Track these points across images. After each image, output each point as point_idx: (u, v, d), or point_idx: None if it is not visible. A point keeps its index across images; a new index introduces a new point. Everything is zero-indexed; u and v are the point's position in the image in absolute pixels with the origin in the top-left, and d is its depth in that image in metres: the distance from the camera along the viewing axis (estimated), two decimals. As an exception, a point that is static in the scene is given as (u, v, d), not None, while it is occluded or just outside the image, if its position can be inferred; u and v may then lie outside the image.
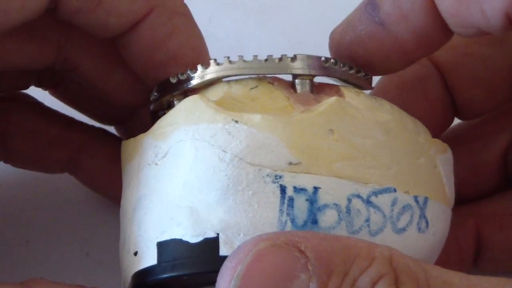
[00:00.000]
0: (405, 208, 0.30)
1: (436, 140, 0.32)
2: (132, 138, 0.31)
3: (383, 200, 0.29)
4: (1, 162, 0.38)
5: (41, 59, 0.34)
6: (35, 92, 0.38)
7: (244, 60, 0.30)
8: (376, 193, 0.29)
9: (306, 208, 0.28)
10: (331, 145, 0.29)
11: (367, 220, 0.29)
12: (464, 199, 0.37)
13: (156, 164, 0.29)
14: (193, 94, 0.30)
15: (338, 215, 0.28)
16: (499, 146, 0.37)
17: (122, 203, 0.31)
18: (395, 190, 0.29)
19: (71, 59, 0.34)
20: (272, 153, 0.28)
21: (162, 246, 0.28)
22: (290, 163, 0.28)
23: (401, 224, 0.29)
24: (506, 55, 0.35)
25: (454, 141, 0.35)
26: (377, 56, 0.30)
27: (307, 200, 0.28)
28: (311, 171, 0.28)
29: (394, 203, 0.29)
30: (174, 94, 0.31)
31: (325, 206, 0.28)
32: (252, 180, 0.28)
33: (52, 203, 0.41)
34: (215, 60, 0.30)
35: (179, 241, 0.28)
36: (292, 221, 0.28)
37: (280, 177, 0.28)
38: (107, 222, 0.40)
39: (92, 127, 0.39)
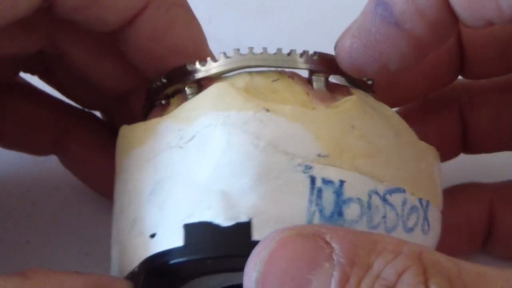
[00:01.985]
0: (413, 209, 0.30)
1: (431, 147, 0.32)
2: (140, 123, 0.31)
3: (396, 199, 0.29)
4: (1, 164, 0.38)
5: (30, 46, 0.33)
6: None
7: (267, 53, 0.30)
8: (390, 192, 0.30)
9: (333, 200, 0.28)
10: (353, 141, 0.29)
11: (384, 217, 0.29)
12: None
13: (180, 147, 0.29)
14: (208, 83, 0.30)
15: (361, 209, 0.28)
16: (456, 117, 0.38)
17: (129, 187, 0.30)
18: (404, 191, 0.30)
19: (59, 45, 0.34)
20: (302, 144, 0.28)
21: (189, 228, 0.27)
22: (319, 155, 0.28)
23: (410, 224, 0.30)
24: None
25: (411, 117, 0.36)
26: (393, 57, 0.29)
27: (334, 192, 0.28)
28: (336, 164, 0.28)
29: (404, 203, 0.30)
30: (187, 81, 0.30)
31: (350, 199, 0.28)
32: (284, 169, 0.28)
33: (52, 203, 0.41)
34: (237, 50, 0.30)
35: (209, 224, 0.27)
36: (320, 211, 0.28)
37: (310, 167, 0.28)
38: (107, 222, 0.39)
39: (81, 110, 0.39)
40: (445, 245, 0.37)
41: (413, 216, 0.30)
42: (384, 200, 0.29)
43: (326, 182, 0.28)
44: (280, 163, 0.28)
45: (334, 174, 0.28)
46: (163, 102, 0.32)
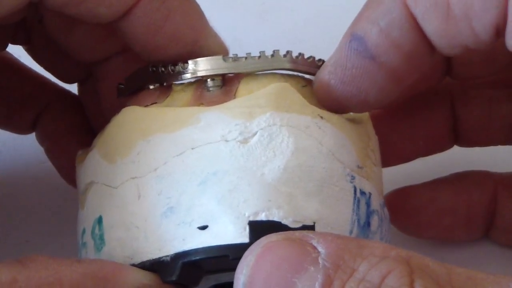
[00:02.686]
0: (389, 224, 0.31)
1: None
2: (164, 108, 0.30)
3: (386, 212, 0.31)
4: (1, 164, 0.38)
5: (18, 11, 0.32)
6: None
7: (294, 56, 0.30)
8: (383, 205, 0.31)
9: (365, 210, 0.29)
10: (370, 154, 0.30)
11: (386, 230, 0.30)
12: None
13: (240, 142, 0.28)
14: (233, 80, 0.30)
15: (378, 220, 0.29)
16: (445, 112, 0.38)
17: (158, 173, 0.29)
18: (385, 205, 0.31)
19: (39, 9, 0.33)
20: (348, 154, 0.29)
21: (256, 226, 0.27)
22: (358, 166, 0.29)
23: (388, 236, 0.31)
24: None
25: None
26: (371, 91, 0.30)
27: (366, 203, 0.29)
28: (365, 176, 0.29)
29: (387, 216, 0.31)
30: (216, 74, 0.30)
31: (373, 211, 0.29)
32: (340, 177, 0.29)
33: (52, 203, 0.41)
34: (278, 51, 0.30)
35: (279, 224, 0.27)
36: (358, 221, 0.29)
37: (354, 178, 0.29)
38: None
39: (63, 89, 0.39)
40: (444, 230, 0.38)
41: (389, 230, 0.31)
42: (384, 212, 0.30)
43: (362, 193, 0.29)
44: (337, 170, 0.28)
45: (366, 186, 0.29)
46: (151, 87, 0.31)
